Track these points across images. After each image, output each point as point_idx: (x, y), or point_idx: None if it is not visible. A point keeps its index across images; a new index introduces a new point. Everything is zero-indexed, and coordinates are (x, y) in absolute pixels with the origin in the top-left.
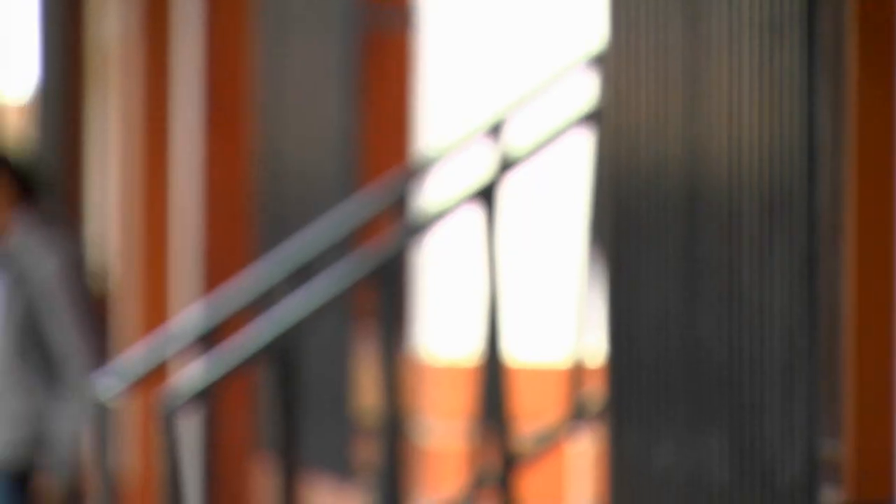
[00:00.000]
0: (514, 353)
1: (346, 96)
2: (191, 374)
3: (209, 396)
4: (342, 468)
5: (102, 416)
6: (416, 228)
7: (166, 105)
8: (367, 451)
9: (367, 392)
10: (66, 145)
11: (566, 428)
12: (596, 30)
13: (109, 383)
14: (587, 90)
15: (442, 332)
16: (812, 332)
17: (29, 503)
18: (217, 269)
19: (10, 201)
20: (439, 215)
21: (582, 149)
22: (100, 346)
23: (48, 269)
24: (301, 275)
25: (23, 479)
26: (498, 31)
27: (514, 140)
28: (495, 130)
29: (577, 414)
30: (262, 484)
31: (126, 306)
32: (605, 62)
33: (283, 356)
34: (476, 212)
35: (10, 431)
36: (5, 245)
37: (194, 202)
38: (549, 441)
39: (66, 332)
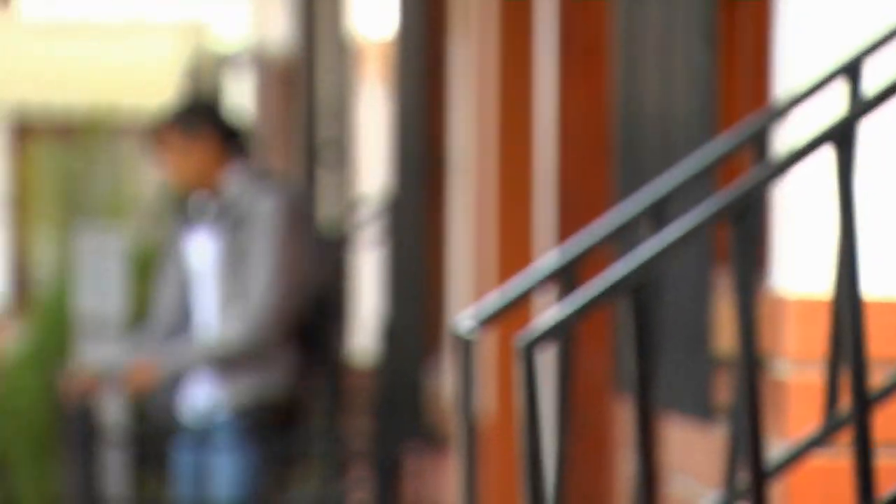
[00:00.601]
0: (871, 290)
1: (703, 38)
2: (548, 311)
3: (566, 333)
4: (699, 408)
5: (466, 353)
6: (773, 168)
7: (526, 48)
8: (725, 391)
9: (724, 330)
10: (428, 87)
11: None
12: None
13: (472, 321)
14: None
15: (800, 270)
16: None
17: (264, 450)
18: (573, 211)
19: (220, 156)
20: (795, 156)
21: None
22: (302, 297)
23: (259, 212)
24: (657, 213)
25: (255, 425)
26: None
27: (871, 80)
28: (851, 71)
29: None
30: (619, 421)
31: (485, 246)
32: None
33: (639, 294)
34: (831, 152)
35: (237, 378)
36: (220, 198)
37: (551, 145)
38: None
39: (258, 274)
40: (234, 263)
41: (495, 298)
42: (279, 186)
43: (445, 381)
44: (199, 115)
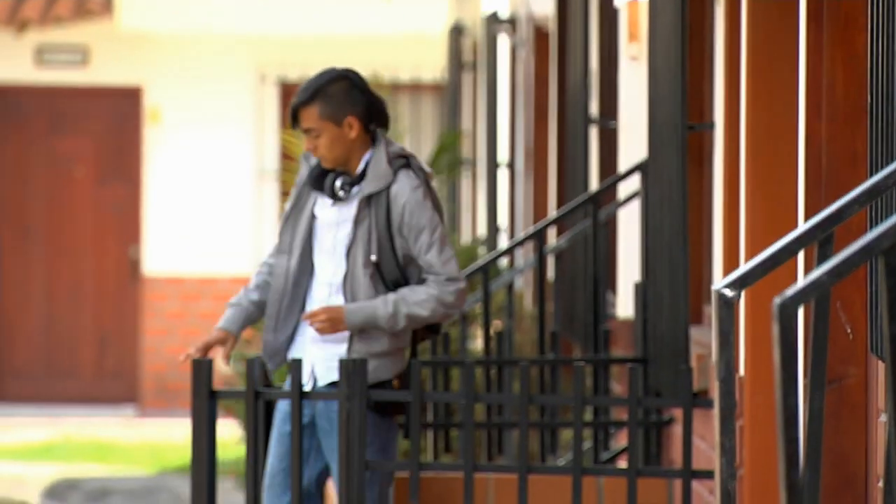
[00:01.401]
0: None
1: None
2: (806, 275)
3: (822, 295)
4: None
5: (727, 314)
6: None
7: (786, 18)
8: None
9: None
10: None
11: None
12: None
13: (733, 285)
14: None
15: None
16: None
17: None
18: (829, 177)
19: (365, 136)
20: None
21: None
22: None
23: (406, 194)
24: None
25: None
26: None
27: None
28: None
29: None
30: (873, 381)
31: (741, 210)
32: None
33: (893, 256)
34: None
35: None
36: (358, 177)
37: (806, 112)
38: None
39: (429, 253)
40: (370, 241)
41: (755, 262)
42: (415, 166)
43: (707, 341)
44: (351, 99)
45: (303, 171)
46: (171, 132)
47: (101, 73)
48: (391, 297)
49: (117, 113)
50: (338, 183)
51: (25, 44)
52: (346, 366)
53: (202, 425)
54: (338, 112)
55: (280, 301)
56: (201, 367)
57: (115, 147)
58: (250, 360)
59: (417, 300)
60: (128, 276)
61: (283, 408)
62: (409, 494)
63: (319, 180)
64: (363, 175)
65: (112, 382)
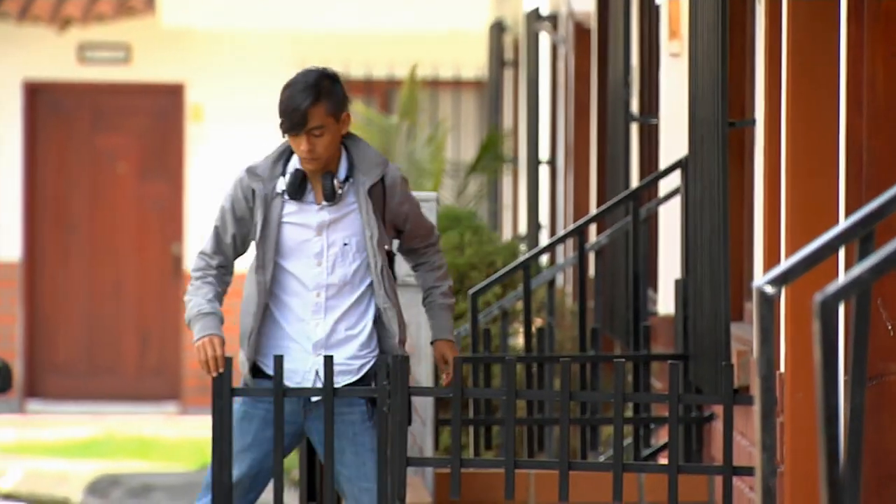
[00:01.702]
0: None
1: None
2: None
3: (863, 292)
4: None
5: (768, 311)
6: None
7: (827, 14)
8: None
9: None
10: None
11: None
12: None
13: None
14: None
15: None
16: None
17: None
18: (870, 175)
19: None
20: None
21: None
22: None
23: (397, 175)
24: None
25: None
26: None
27: None
28: None
29: None
30: None
31: (793, 204)
32: None
33: None
34: None
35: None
36: (335, 176)
37: (846, 110)
38: None
39: (428, 228)
40: (380, 229)
41: (795, 259)
42: (377, 155)
43: (748, 337)
44: (344, 95)
45: (257, 188)
46: (214, 129)
47: (144, 70)
48: (443, 302)
49: (159, 110)
50: (336, 181)
51: (68, 41)
52: (389, 363)
53: (224, 423)
54: (338, 108)
55: (258, 317)
56: (227, 367)
57: (157, 144)
58: (277, 358)
59: (446, 291)
60: (170, 272)
61: (263, 413)
62: (450, 490)
63: (301, 188)
64: (350, 168)
65: (154, 379)
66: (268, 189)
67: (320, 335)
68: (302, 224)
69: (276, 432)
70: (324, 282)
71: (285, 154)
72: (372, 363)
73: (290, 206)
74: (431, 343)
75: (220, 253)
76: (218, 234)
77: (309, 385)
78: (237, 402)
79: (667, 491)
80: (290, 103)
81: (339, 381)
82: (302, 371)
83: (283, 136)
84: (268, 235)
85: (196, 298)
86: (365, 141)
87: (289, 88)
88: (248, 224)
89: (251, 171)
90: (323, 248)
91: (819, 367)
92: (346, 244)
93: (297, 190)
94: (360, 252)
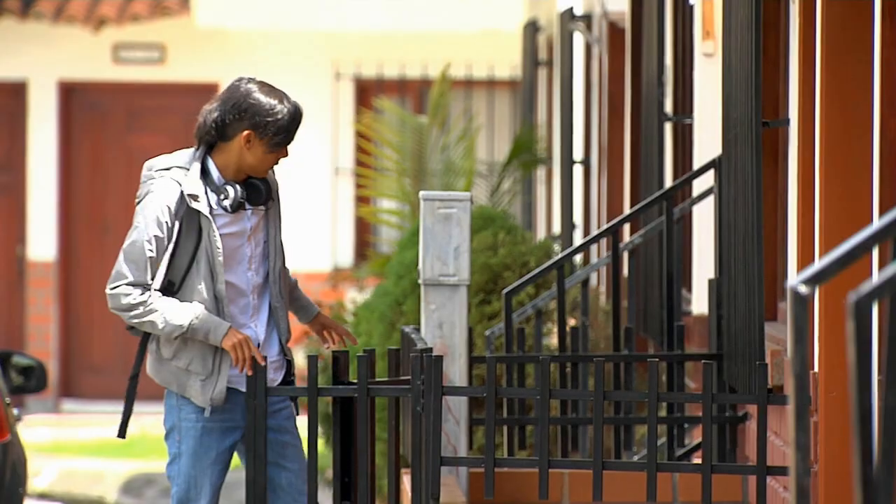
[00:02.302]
0: None
1: None
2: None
3: None
4: None
5: (802, 310)
6: None
7: (861, 14)
8: None
9: None
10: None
11: None
12: None
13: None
14: None
15: None
16: None
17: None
18: None
19: None
20: None
21: None
22: None
23: (273, 181)
24: None
25: None
26: None
27: None
28: None
29: None
30: None
31: (827, 204)
32: None
33: None
34: None
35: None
36: (260, 181)
37: (881, 109)
38: None
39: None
40: (277, 235)
41: (829, 259)
42: None
43: (782, 337)
44: None
45: (200, 207)
46: None
47: (178, 70)
48: (296, 287)
49: (194, 109)
50: (259, 190)
51: (103, 41)
52: (422, 361)
53: (259, 423)
54: None
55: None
56: (256, 366)
57: (191, 143)
58: (311, 358)
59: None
60: None
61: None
62: (484, 490)
63: (240, 204)
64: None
65: None
66: (205, 207)
67: (261, 335)
68: (236, 233)
69: (310, 432)
70: (254, 283)
71: (198, 167)
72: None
73: (224, 218)
74: (309, 324)
75: (152, 277)
76: (151, 261)
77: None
78: (192, 418)
79: (700, 491)
80: (294, 115)
81: (277, 378)
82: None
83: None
84: (211, 249)
85: (171, 305)
86: None
87: (286, 101)
88: (178, 243)
89: (190, 195)
90: (252, 252)
91: (853, 367)
92: (265, 242)
93: (242, 203)
94: (268, 250)
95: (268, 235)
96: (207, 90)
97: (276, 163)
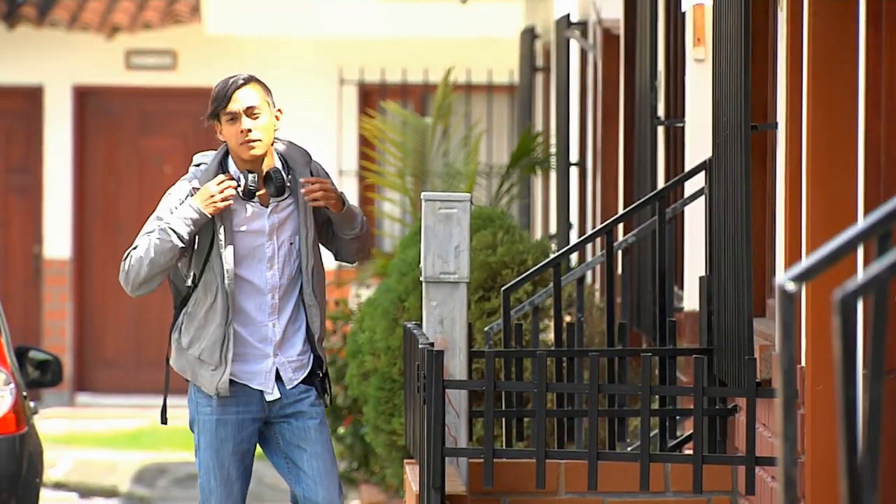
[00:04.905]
0: None
1: None
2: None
3: (881, 290)
4: None
5: (789, 307)
6: None
7: (847, 16)
8: None
9: None
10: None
11: None
12: None
13: (794, 278)
14: None
15: None
16: None
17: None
18: (888, 174)
19: None
20: None
21: None
22: None
23: (317, 173)
24: None
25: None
26: None
27: None
28: None
29: None
30: None
31: (814, 204)
32: None
33: None
34: None
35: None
36: (273, 169)
37: (865, 111)
38: None
39: (358, 219)
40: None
41: (816, 257)
42: (304, 153)
43: (770, 333)
44: (271, 92)
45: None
46: None
47: (188, 75)
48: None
49: (204, 113)
50: (284, 175)
51: (116, 48)
52: (426, 356)
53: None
54: (271, 96)
55: (222, 325)
56: None
57: (201, 146)
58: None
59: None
60: None
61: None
62: (483, 480)
63: (250, 192)
64: (285, 167)
65: None
66: (243, 190)
67: (277, 336)
68: (255, 230)
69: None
70: (276, 284)
71: (217, 162)
72: (313, 356)
73: (242, 214)
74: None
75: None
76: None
77: (270, 386)
78: (207, 412)
79: (692, 480)
80: (225, 83)
81: (297, 377)
82: (263, 372)
83: (219, 132)
84: (227, 245)
85: (145, 232)
86: (289, 140)
87: (221, 80)
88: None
89: (194, 189)
90: (274, 252)
91: (839, 361)
92: (291, 244)
93: (253, 191)
94: (298, 251)
95: (298, 236)
96: None
97: (245, 132)
